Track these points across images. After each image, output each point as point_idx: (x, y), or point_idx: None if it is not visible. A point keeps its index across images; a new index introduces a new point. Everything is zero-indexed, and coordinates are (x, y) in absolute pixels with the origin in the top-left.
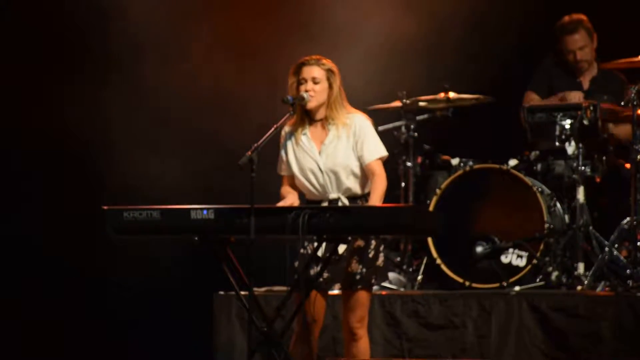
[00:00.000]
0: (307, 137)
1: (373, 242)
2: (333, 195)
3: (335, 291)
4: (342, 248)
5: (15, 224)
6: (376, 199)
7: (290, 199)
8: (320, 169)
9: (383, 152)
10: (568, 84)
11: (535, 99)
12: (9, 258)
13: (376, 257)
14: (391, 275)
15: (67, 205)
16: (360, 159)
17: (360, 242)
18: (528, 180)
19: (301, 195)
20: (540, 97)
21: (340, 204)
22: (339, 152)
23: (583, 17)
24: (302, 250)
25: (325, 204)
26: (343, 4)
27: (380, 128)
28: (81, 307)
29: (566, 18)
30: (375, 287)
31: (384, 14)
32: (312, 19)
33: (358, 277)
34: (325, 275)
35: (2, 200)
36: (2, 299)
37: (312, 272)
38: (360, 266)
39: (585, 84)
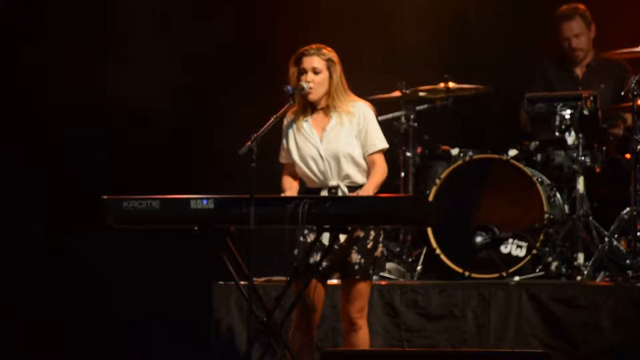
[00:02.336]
0: (308, 124)
1: (372, 233)
2: (333, 182)
3: (335, 281)
4: (341, 237)
5: (15, 224)
6: (370, 187)
7: (290, 194)
8: (320, 155)
9: (385, 144)
10: (564, 76)
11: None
12: (9, 258)
13: (375, 247)
14: (390, 265)
15: (67, 204)
16: (362, 149)
17: (359, 232)
18: (528, 170)
19: (301, 183)
20: None
21: (339, 191)
22: (340, 139)
23: (581, 5)
24: (300, 239)
25: (324, 191)
26: None
27: (380, 118)
28: (81, 307)
29: (564, 6)
30: (374, 278)
31: (383, 4)
32: (314, 6)
33: (357, 267)
34: (324, 264)
35: (2, 200)
36: (2, 299)
37: (311, 260)
38: (359, 256)
39: (580, 74)
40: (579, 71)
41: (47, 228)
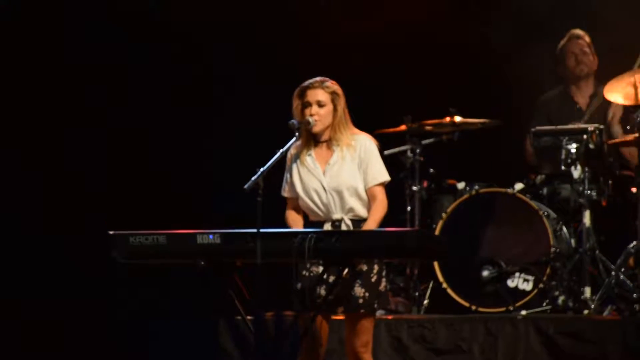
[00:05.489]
0: (311, 158)
1: (376, 267)
2: (336, 215)
3: (341, 315)
4: (345, 270)
5: (15, 224)
6: (372, 224)
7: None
8: (324, 189)
9: (386, 177)
10: (566, 111)
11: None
12: (9, 258)
13: (379, 281)
14: (397, 299)
15: (67, 204)
16: (363, 181)
17: (363, 266)
18: (534, 204)
19: (305, 218)
20: None
21: (343, 224)
22: (343, 172)
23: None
24: (304, 272)
25: (328, 224)
26: (351, 24)
27: (386, 152)
28: (81, 307)
29: (575, 30)
30: (380, 312)
31: (390, 37)
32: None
33: (361, 300)
34: (329, 298)
35: (2, 200)
36: (2, 299)
37: (316, 294)
38: (363, 290)
39: (584, 105)
40: (582, 103)
41: (47, 228)
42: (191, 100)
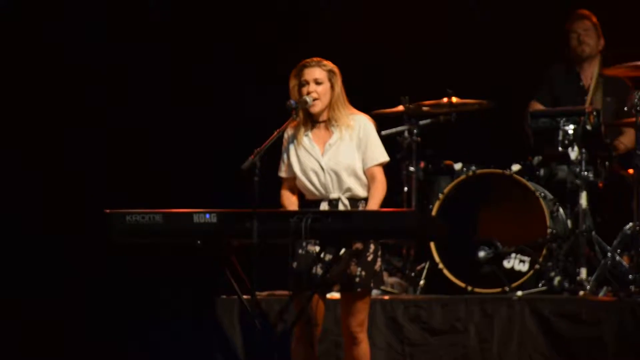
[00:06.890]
0: (309, 138)
1: (372, 246)
2: (334, 195)
3: (336, 294)
4: (341, 250)
5: (15, 224)
6: (374, 205)
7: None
8: (322, 168)
9: (385, 157)
10: (571, 88)
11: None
12: (9, 258)
13: (374, 261)
14: (393, 279)
15: (67, 204)
16: (362, 162)
17: (359, 245)
18: (531, 185)
19: (301, 196)
20: (544, 107)
21: (340, 204)
22: (341, 153)
23: (595, 18)
24: (300, 251)
25: (325, 203)
26: (346, 7)
27: (384, 132)
28: (81, 307)
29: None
30: (376, 292)
31: (387, 18)
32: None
33: (357, 279)
34: (325, 277)
35: (2, 200)
36: (2, 299)
37: (313, 274)
38: (359, 269)
39: (587, 84)
40: (585, 81)
41: (47, 228)
42: (191, 100)
